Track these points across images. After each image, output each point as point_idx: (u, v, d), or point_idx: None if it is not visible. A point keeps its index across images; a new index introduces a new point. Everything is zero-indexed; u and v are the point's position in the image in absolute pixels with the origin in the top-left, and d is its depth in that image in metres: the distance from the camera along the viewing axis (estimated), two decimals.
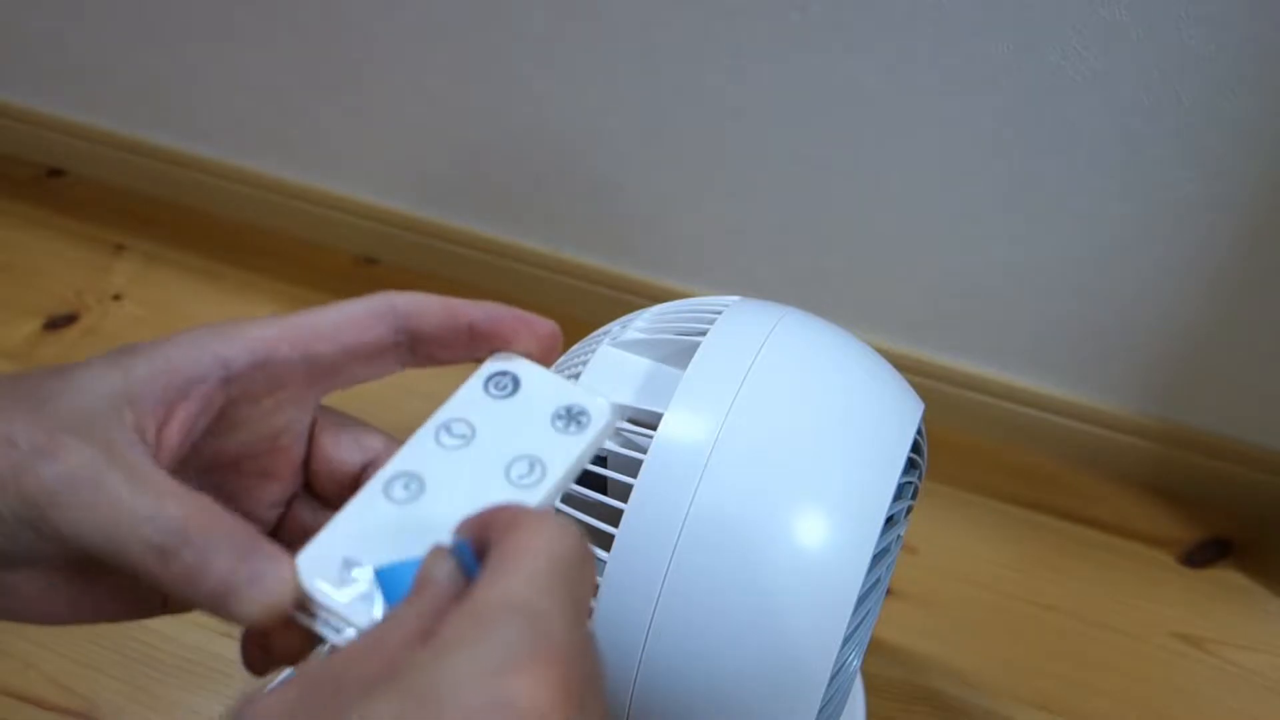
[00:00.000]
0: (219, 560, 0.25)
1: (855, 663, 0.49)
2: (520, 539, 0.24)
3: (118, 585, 0.29)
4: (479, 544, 0.25)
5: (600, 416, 0.32)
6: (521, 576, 0.23)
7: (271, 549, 0.26)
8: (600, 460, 0.48)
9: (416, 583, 0.25)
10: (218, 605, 0.25)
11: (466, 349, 0.31)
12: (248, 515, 0.29)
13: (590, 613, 0.25)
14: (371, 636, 0.23)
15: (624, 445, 0.46)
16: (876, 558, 0.43)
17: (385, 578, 0.26)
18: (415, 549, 0.26)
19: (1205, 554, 0.85)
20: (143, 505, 0.25)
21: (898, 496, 0.45)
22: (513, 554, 0.24)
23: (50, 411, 0.25)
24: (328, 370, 0.30)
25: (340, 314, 0.30)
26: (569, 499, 0.46)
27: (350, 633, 0.26)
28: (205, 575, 0.25)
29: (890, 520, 0.44)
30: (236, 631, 0.33)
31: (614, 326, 0.52)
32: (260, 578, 0.25)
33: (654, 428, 0.44)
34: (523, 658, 0.21)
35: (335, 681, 0.22)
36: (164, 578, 0.25)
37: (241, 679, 0.70)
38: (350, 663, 0.22)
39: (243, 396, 0.29)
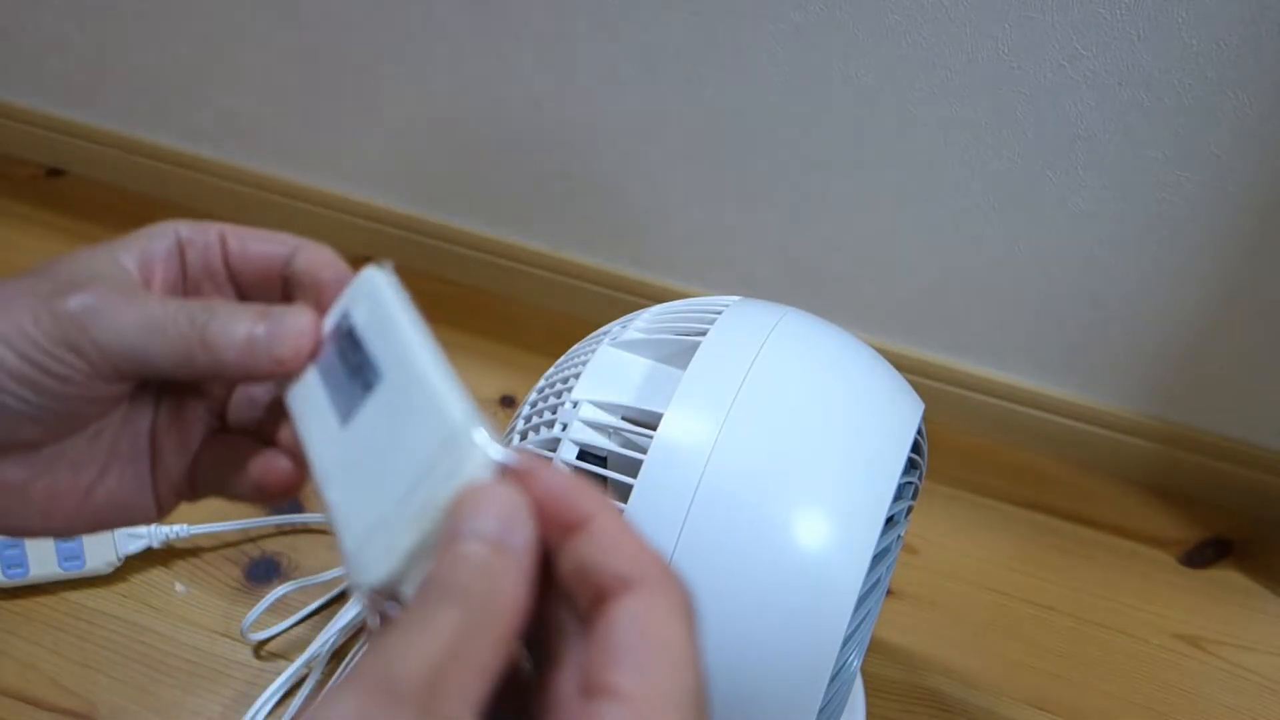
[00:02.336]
0: (242, 323, 0.30)
1: (855, 663, 0.49)
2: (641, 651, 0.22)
3: (129, 447, 0.32)
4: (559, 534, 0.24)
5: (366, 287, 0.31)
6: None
7: (285, 305, 0.31)
8: (600, 460, 0.48)
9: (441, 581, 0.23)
10: (252, 356, 0.29)
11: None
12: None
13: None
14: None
15: (624, 445, 0.46)
16: (876, 558, 0.43)
17: None
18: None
19: (1205, 554, 0.85)
20: (169, 304, 0.30)
21: (898, 496, 0.45)
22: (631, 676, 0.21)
23: (58, 273, 0.30)
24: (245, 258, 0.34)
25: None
26: None
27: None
28: (234, 334, 0.29)
29: (890, 520, 0.45)
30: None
31: (614, 326, 0.53)
32: (282, 320, 0.30)
33: (654, 428, 0.44)
34: None
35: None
36: (199, 350, 0.29)
37: (241, 679, 0.70)
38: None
39: (200, 264, 0.34)
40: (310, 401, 0.30)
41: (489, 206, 0.99)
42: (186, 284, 0.33)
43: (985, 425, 0.92)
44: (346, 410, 0.29)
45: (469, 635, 0.21)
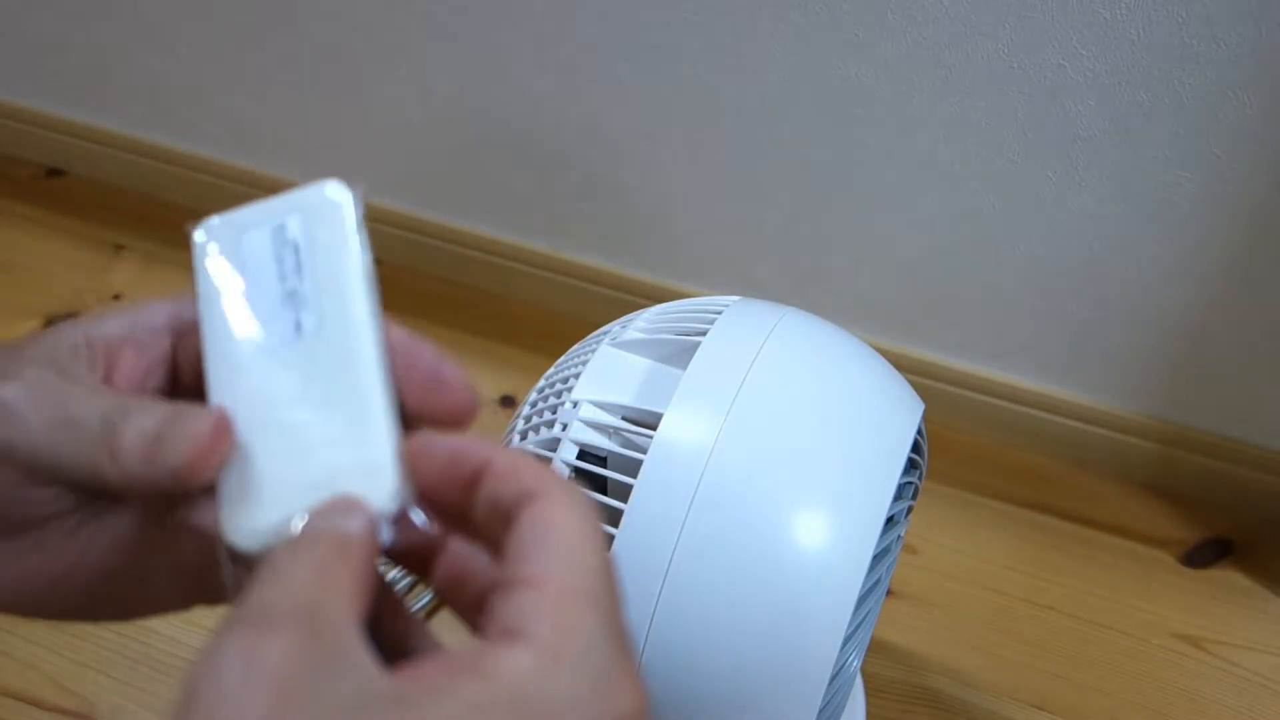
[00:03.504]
0: (148, 420, 0.26)
1: (855, 663, 0.49)
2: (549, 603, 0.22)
3: (85, 538, 0.28)
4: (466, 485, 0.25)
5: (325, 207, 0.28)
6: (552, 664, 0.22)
7: (203, 408, 0.26)
8: (600, 460, 0.48)
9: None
10: (151, 467, 0.25)
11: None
12: None
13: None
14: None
15: (624, 445, 0.46)
16: (876, 558, 0.43)
17: None
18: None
19: (1205, 554, 0.85)
20: (92, 402, 0.26)
21: (898, 496, 0.45)
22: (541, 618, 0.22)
23: (18, 354, 0.27)
24: None
25: None
26: None
27: None
28: (135, 435, 0.25)
29: (890, 520, 0.45)
30: None
31: (614, 326, 0.53)
32: (177, 422, 0.25)
33: (654, 428, 0.44)
34: None
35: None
36: (106, 459, 0.25)
37: None
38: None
39: (193, 352, 0.29)
40: (227, 289, 0.28)
41: (489, 206, 0.99)
42: (179, 373, 0.29)
43: (985, 425, 0.92)
44: (268, 337, 0.27)
45: (323, 564, 0.22)
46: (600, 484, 0.48)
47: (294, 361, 0.26)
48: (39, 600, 0.28)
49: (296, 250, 0.28)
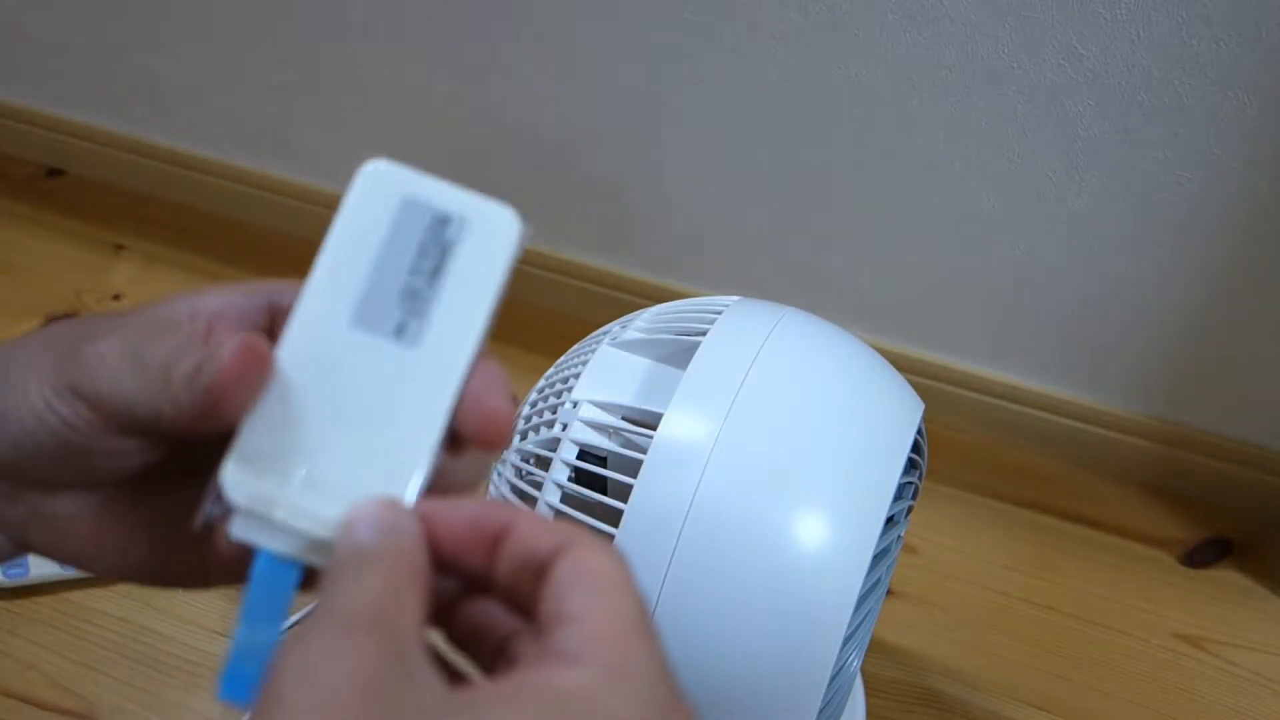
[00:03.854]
0: (202, 352, 0.26)
1: (855, 663, 0.49)
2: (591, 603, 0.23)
3: (157, 505, 0.30)
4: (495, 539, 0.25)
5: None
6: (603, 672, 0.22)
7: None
8: (600, 460, 0.48)
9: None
10: (193, 382, 0.26)
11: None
12: None
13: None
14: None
15: (624, 445, 0.46)
16: (876, 558, 0.43)
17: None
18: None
19: (1205, 554, 0.85)
20: (165, 343, 0.27)
21: (898, 497, 0.45)
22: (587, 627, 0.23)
23: (122, 320, 0.28)
24: None
25: None
26: (569, 500, 0.46)
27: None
28: (191, 366, 0.26)
29: (890, 520, 0.45)
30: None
31: (614, 326, 0.53)
32: (221, 344, 0.26)
33: (654, 428, 0.44)
34: None
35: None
36: (161, 392, 0.26)
37: None
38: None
39: None
40: (357, 251, 0.27)
41: None
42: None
43: (985, 425, 0.92)
44: (364, 323, 0.26)
45: (394, 580, 0.23)
46: (600, 484, 0.48)
47: (374, 359, 0.26)
48: (110, 561, 0.30)
49: (444, 252, 0.27)
